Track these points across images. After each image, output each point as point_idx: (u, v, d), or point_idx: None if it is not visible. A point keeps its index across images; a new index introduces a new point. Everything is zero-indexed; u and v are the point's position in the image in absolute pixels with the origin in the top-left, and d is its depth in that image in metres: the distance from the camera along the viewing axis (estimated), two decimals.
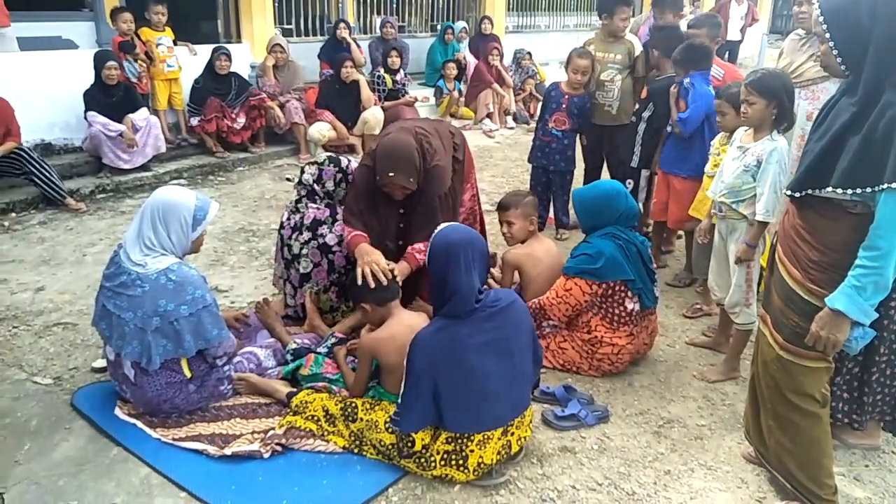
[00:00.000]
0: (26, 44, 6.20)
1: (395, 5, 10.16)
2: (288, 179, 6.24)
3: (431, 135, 3.21)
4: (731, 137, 3.43)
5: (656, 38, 4.42)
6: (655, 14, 4.97)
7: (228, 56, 6.77)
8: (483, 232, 3.79)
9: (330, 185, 3.37)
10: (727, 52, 10.36)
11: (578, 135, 4.92)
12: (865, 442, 2.69)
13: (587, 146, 5.03)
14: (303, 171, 3.41)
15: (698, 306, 3.84)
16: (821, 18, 1.99)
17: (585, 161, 5.12)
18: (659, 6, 4.87)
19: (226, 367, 2.87)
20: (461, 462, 2.39)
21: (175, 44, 6.81)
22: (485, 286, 2.53)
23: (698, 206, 3.72)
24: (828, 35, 1.98)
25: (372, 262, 2.82)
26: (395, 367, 2.55)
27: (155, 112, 6.65)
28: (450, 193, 3.27)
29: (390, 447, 2.48)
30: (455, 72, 8.86)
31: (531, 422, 2.59)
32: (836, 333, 2.01)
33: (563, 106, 4.76)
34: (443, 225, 2.60)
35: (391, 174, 2.97)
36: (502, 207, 3.47)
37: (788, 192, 2.14)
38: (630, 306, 3.09)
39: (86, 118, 5.82)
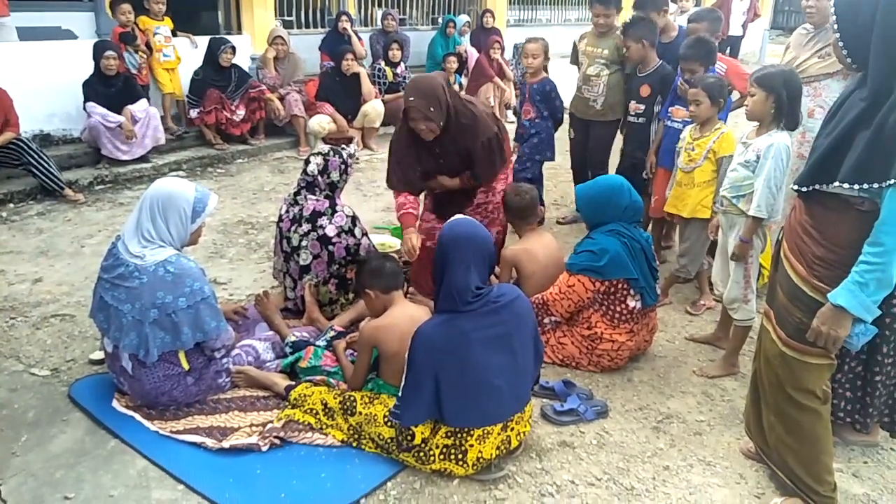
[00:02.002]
0: (26, 34, 6.18)
1: None
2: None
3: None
4: (701, 129, 3.55)
5: (631, 32, 4.28)
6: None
7: (234, 50, 6.74)
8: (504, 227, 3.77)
9: (335, 176, 3.37)
10: (728, 48, 10.33)
11: (555, 125, 4.80)
12: (865, 439, 2.69)
13: (574, 139, 4.94)
14: (307, 162, 3.40)
15: (702, 303, 3.83)
16: (832, 9, 1.97)
17: (572, 155, 5.04)
18: (641, 8, 4.60)
19: (224, 360, 2.86)
20: (460, 456, 2.39)
21: (174, 34, 6.77)
22: (488, 282, 2.51)
23: (673, 202, 3.71)
24: (836, 26, 1.97)
25: (413, 247, 3.26)
26: (395, 355, 2.55)
27: (162, 98, 6.66)
28: (494, 141, 3.40)
29: (389, 441, 2.47)
30: (456, 65, 8.82)
31: (530, 417, 2.58)
32: (838, 329, 1.99)
33: (527, 95, 4.73)
34: (453, 218, 2.59)
35: (412, 98, 3.18)
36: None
37: (795, 187, 2.13)
38: (632, 304, 3.08)
39: (85, 109, 5.80)
